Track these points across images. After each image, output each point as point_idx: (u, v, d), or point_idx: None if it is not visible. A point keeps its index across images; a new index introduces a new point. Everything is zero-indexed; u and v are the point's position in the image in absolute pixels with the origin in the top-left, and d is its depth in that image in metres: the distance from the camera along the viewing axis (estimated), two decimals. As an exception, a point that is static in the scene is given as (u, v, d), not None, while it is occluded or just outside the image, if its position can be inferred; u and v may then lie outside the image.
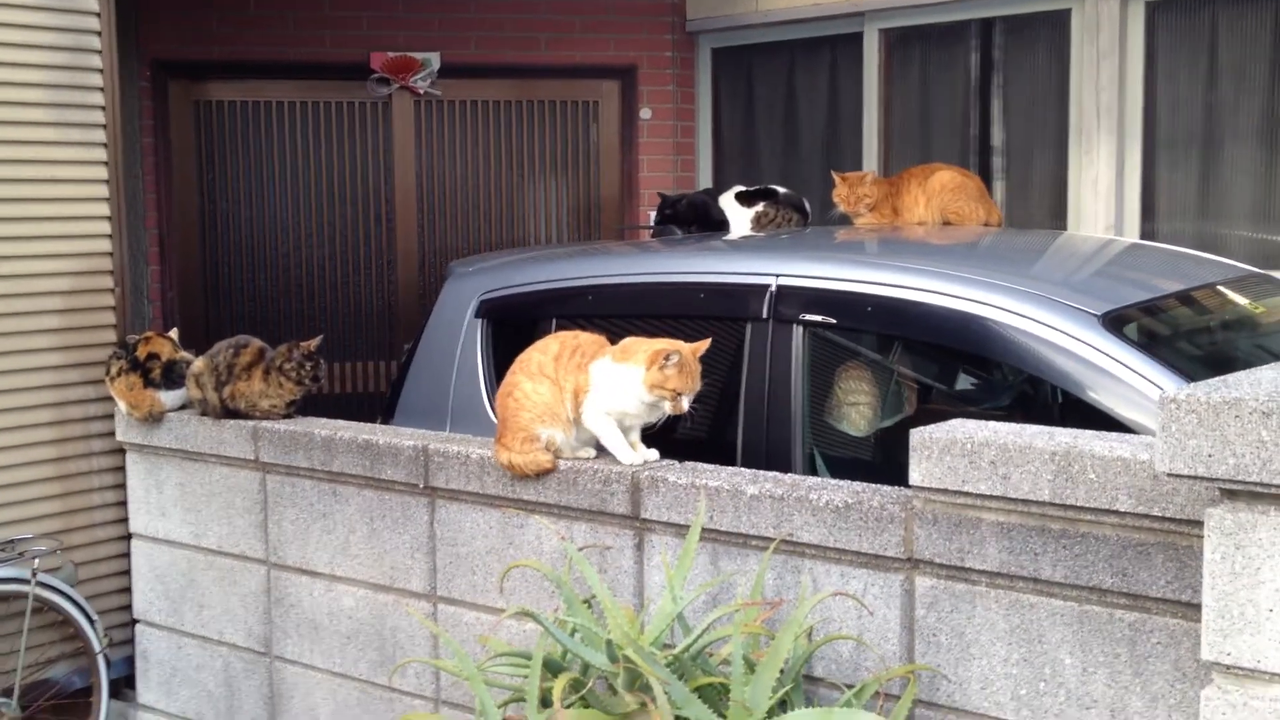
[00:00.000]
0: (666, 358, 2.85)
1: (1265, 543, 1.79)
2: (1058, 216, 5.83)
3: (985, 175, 5.99)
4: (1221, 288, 3.62)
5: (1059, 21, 5.80)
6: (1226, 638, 1.84)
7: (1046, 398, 3.36)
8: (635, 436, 3.06)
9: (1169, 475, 1.84)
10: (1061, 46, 5.80)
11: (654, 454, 3.05)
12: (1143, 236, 5.60)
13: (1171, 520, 2.21)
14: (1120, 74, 5.62)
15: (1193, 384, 1.89)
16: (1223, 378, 1.95)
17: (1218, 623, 1.84)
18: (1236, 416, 1.77)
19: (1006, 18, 5.96)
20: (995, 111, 6.10)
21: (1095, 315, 3.01)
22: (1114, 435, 2.41)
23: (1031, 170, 6.01)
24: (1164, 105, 5.63)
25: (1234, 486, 1.80)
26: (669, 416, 2.99)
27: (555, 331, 3.72)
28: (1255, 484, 1.77)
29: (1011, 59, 6.02)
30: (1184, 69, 5.58)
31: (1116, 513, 2.26)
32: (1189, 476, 1.82)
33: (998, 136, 6.09)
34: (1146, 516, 2.23)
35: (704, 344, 2.94)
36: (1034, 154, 5.99)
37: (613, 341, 3.08)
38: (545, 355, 3.07)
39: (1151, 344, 3.15)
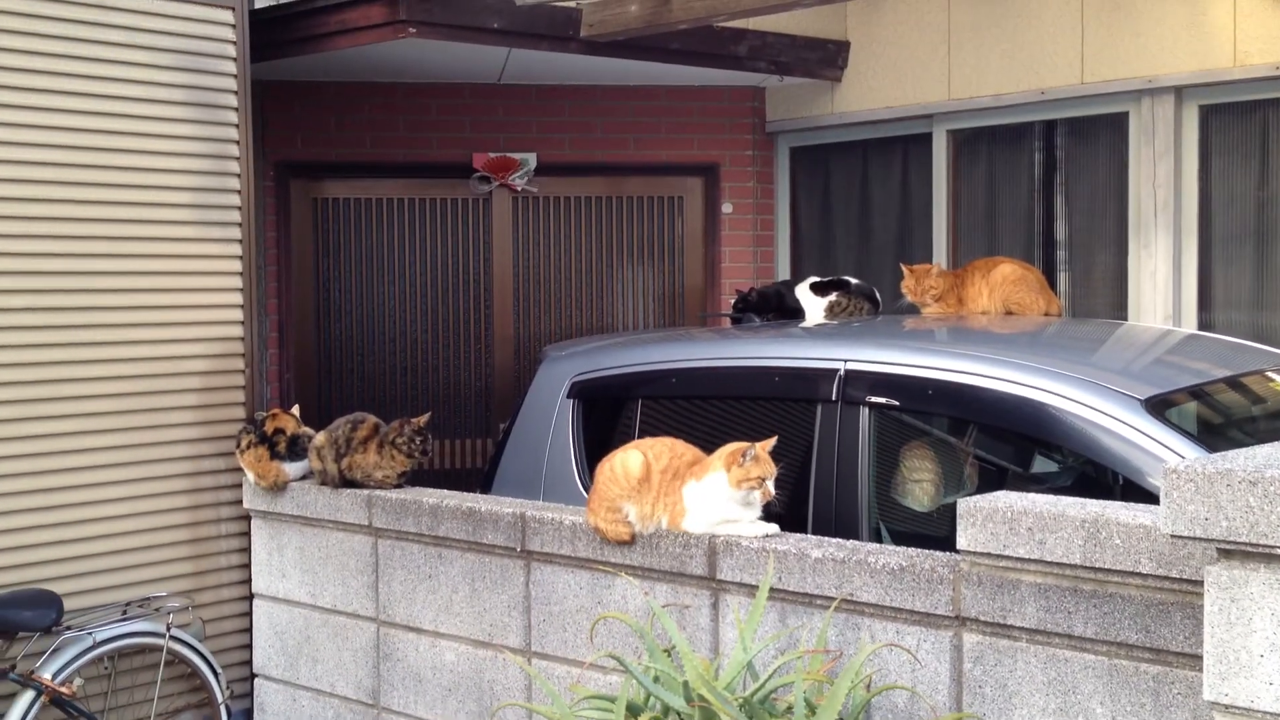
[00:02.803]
0: (744, 454, 3.13)
1: (1256, 596, 2.04)
2: (1119, 308, 5.95)
3: (1049, 268, 6.13)
4: (1271, 374, 3.75)
5: (1118, 124, 5.95)
6: (1224, 680, 2.08)
7: (1101, 475, 3.50)
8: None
9: (1172, 536, 2.11)
10: (1120, 147, 5.95)
11: (774, 527, 3.26)
12: (1199, 327, 5.70)
13: (1188, 581, 2.45)
14: (1176, 173, 5.77)
15: (1193, 457, 2.16)
16: (1222, 453, 2.21)
17: (1216, 667, 2.08)
18: (1228, 485, 2.02)
19: (1068, 120, 6.13)
20: (1058, 208, 6.23)
21: (1138, 399, 3.21)
22: (1140, 505, 2.64)
23: (1093, 263, 6.14)
24: (1218, 202, 5.76)
25: (1228, 546, 2.06)
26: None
27: (639, 411, 4.05)
28: (1245, 544, 2.02)
29: (1073, 158, 6.19)
30: (1236, 167, 5.72)
31: (1140, 575, 2.52)
32: (1189, 538, 2.09)
33: (1061, 231, 6.22)
34: (1166, 578, 2.48)
35: (771, 440, 3.21)
36: (1095, 248, 6.12)
37: (707, 437, 3.32)
38: (657, 460, 3.31)
39: (1191, 425, 3.37)
